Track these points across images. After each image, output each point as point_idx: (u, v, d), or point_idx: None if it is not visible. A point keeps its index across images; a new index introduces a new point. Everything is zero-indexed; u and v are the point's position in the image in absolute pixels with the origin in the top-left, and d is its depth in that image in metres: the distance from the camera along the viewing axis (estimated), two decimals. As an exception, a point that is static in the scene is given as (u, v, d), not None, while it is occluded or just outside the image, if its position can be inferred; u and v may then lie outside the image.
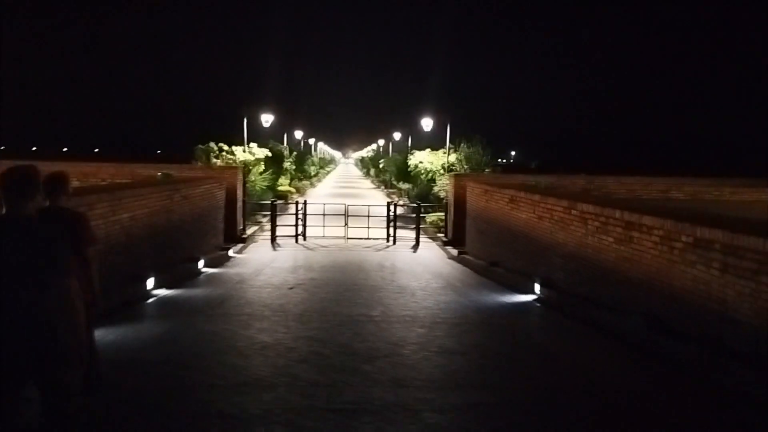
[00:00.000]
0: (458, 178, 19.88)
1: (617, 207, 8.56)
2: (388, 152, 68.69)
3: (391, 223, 20.74)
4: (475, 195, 16.62)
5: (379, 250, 19.08)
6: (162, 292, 10.37)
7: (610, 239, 8.55)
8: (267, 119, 24.73)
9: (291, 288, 11.33)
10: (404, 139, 41.79)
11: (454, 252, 18.32)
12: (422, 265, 15.75)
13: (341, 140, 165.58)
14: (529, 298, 10.94)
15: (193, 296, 10.55)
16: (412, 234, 21.44)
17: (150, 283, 10.12)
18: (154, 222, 11.05)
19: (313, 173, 54.76)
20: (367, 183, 67.38)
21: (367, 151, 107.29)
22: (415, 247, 19.94)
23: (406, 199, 37.54)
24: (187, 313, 8.99)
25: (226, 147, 23.03)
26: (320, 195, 37.04)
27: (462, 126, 27.14)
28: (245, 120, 23.54)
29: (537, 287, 10.99)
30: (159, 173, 16.49)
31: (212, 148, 22.61)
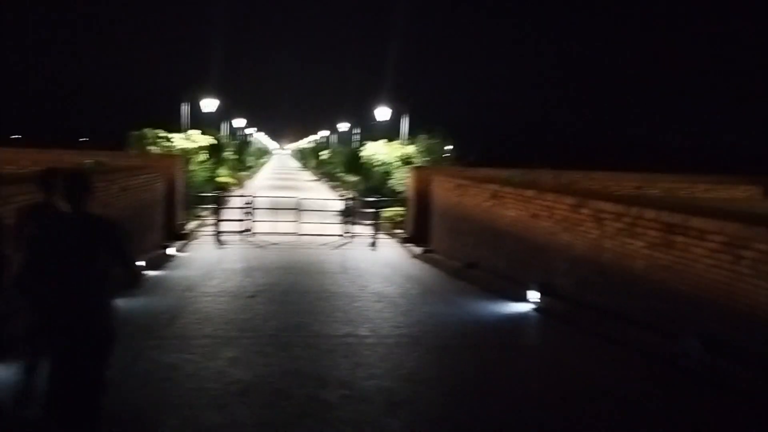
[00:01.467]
0: (420, 171, 18.56)
1: (650, 206, 7.38)
2: (328, 144, 66.86)
3: (347, 219, 19.28)
4: (444, 189, 15.34)
5: (336, 248, 17.54)
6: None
7: (640, 244, 7.37)
8: (209, 104, 22.68)
9: (252, 296, 9.71)
10: (351, 131, 40.13)
11: (418, 250, 17.01)
12: (389, 266, 14.34)
13: (277, 130, 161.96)
14: (526, 307, 9.69)
15: (135, 310, 8.74)
16: (367, 230, 20.08)
17: None
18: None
19: (250, 164, 52.43)
20: (307, 175, 65.33)
21: (306, 142, 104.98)
22: (374, 244, 18.53)
23: (354, 193, 36.15)
24: (130, 335, 7.19)
25: (163, 133, 20.91)
26: (262, 187, 34.99)
27: (414, 118, 25.90)
28: (184, 105, 21.46)
29: (532, 294, 9.77)
30: (90, 161, 14.41)
31: (148, 135, 20.45)
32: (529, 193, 10.55)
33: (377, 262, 14.87)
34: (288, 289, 10.62)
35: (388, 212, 20.71)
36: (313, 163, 71.01)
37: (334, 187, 39.87)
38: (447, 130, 20.98)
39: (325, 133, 76.96)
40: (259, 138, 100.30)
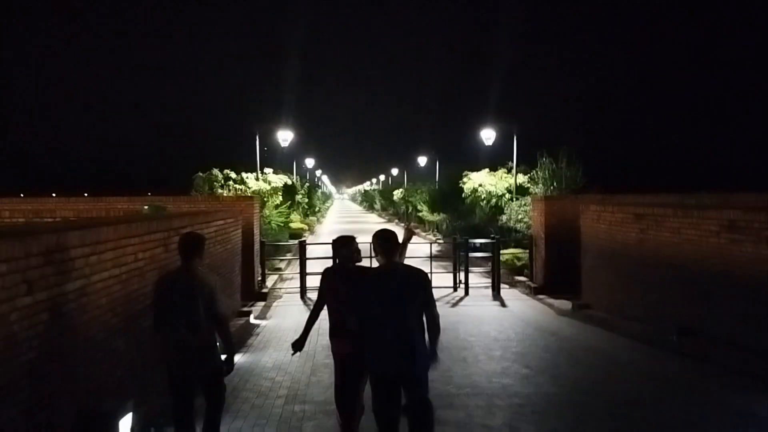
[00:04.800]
0: (552, 203, 14.76)
1: None
2: (387, 183, 63.58)
3: (460, 266, 15.57)
4: (606, 224, 11.45)
5: (454, 304, 13.80)
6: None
7: None
8: (285, 138, 19.46)
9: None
10: (436, 163, 36.48)
11: (562, 304, 13.09)
12: (541, 331, 10.49)
13: (336, 176, 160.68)
14: None
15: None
16: (481, 278, 16.32)
17: (124, 425, 4.79)
18: (132, 293, 5.79)
19: (317, 208, 49.57)
20: (374, 217, 62.20)
21: (368, 185, 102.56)
22: (497, 296, 14.71)
23: (437, 234, 32.46)
24: None
25: (233, 174, 17.83)
26: (333, 232, 31.69)
27: (506, 142, 22.15)
28: (257, 138, 18.38)
29: None
30: (146, 206, 11.24)
31: (216, 176, 17.40)
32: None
33: (522, 326, 11.01)
34: (432, 388, 6.90)
35: (504, 255, 16.86)
36: (378, 205, 68.00)
37: (413, 228, 36.17)
38: (576, 152, 17.09)
39: (382, 177, 74.06)
40: (324, 180, 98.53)
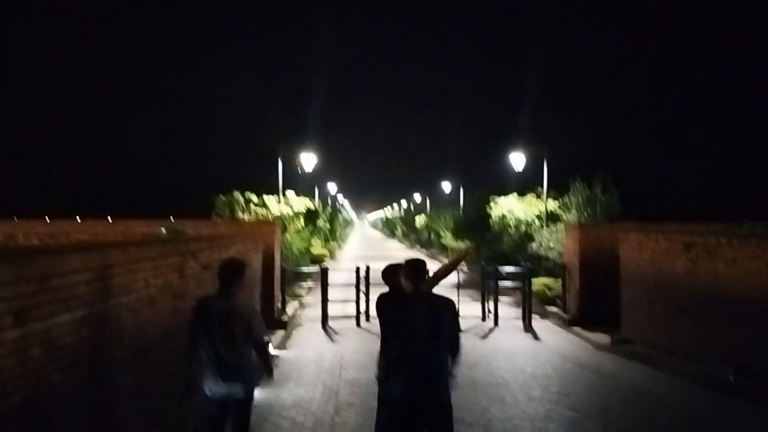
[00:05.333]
0: (588, 231, 14.08)
1: None
2: (409, 209, 62.79)
3: (489, 296, 14.88)
4: (649, 253, 10.74)
5: (484, 336, 13.09)
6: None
7: None
8: (308, 160, 19.01)
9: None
10: (453, 191, 35.84)
11: (599, 338, 12.33)
12: (588, 368, 9.74)
13: (356, 201, 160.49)
14: None
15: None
16: (509, 308, 15.60)
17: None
18: (144, 322, 5.23)
19: (338, 234, 49.07)
20: (396, 244, 61.48)
21: (389, 212, 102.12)
22: (529, 328, 13.96)
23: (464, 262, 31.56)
24: None
25: (255, 198, 17.38)
26: (354, 258, 31.00)
27: (536, 167, 21.46)
28: (280, 162, 17.95)
29: None
30: (163, 229, 10.77)
31: (238, 200, 16.96)
32: None
33: (560, 361, 10.27)
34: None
35: (535, 284, 16.10)
36: (399, 231, 67.33)
37: (432, 255, 35.60)
38: (612, 177, 16.37)
39: (405, 203, 73.41)
40: (346, 206, 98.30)
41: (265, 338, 5.54)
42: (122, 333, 4.79)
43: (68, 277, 3.87)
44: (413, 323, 4.41)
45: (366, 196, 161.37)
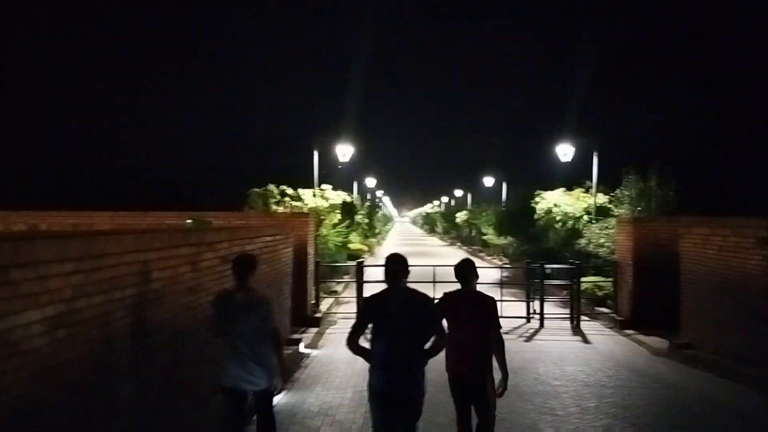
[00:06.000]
0: (642, 226, 13.06)
1: None
2: (450, 205, 61.54)
3: (534, 295, 13.97)
4: (717, 250, 9.71)
5: (529, 338, 12.21)
6: None
7: None
8: (344, 153, 18.36)
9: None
10: (501, 184, 34.68)
11: (655, 342, 11.35)
12: (646, 376, 8.81)
13: (397, 197, 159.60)
14: None
15: None
16: (556, 308, 14.65)
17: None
18: (142, 322, 4.60)
19: (378, 230, 48.39)
20: (435, 240, 60.56)
21: (429, 208, 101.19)
22: (577, 330, 13.01)
23: (503, 258, 30.66)
24: None
25: (290, 190, 16.81)
26: (394, 254, 30.30)
27: (584, 160, 20.32)
28: (316, 153, 17.32)
29: None
30: (188, 220, 10.22)
31: (272, 192, 16.41)
32: None
33: (614, 368, 9.35)
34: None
35: (584, 283, 15.08)
36: (440, 228, 66.28)
37: (473, 253, 34.59)
38: (670, 169, 15.22)
39: (445, 199, 72.13)
40: (386, 201, 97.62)
41: (292, 336, 5.20)
42: (115, 334, 4.15)
43: (36, 268, 3.23)
44: (459, 317, 4.85)
45: (407, 194, 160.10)
